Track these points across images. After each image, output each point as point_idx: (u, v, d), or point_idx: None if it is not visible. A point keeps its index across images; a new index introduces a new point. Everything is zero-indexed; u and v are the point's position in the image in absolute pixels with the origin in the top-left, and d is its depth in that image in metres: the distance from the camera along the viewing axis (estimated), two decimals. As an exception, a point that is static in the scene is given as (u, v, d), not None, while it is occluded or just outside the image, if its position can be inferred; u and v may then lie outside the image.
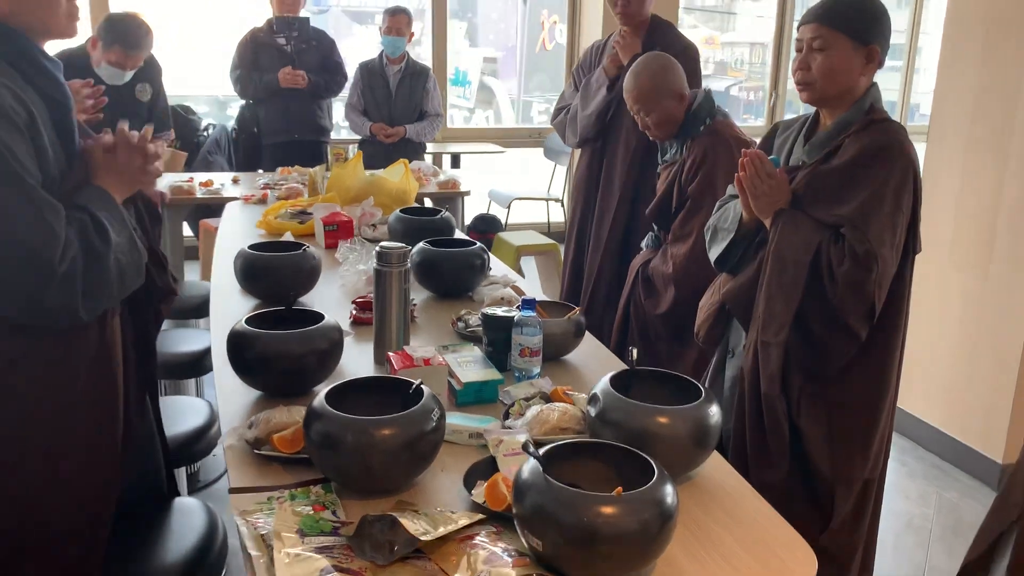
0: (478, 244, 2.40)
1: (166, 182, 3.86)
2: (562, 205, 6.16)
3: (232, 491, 1.35)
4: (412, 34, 4.71)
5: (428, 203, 4.08)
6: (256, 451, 1.45)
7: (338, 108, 4.95)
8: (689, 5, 8.04)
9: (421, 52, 6.04)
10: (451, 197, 4.26)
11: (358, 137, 4.80)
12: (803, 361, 1.85)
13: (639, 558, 1.12)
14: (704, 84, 2.91)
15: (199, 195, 3.87)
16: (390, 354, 1.69)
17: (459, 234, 2.89)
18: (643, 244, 2.84)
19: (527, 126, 7.95)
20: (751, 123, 7.51)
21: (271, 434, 1.46)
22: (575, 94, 3.25)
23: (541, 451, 1.20)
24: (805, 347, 1.84)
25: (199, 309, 3.11)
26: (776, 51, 6.70)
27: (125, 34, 3.46)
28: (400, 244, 1.88)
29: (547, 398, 1.65)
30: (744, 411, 1.94)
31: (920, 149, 1.96)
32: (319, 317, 1.75)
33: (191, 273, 4.63)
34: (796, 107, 6.97)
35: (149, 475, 1.77)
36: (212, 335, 2.07)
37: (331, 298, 2.30)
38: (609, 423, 1.40)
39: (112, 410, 1.49)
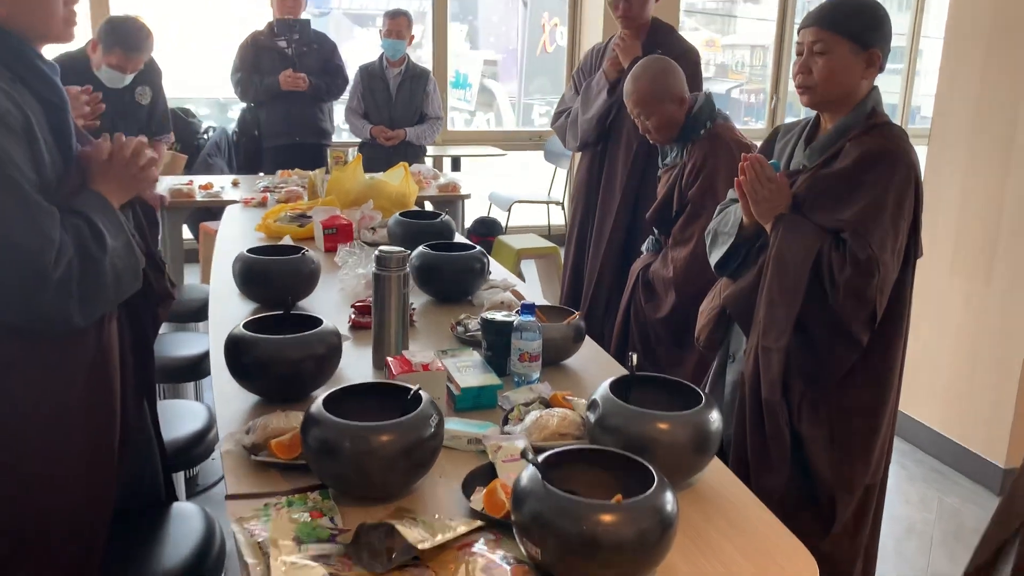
0: (477, 248, 2.39)
1: (166, 185, 3.87)
2: (563, 208, 6.15)
3: (228, 497, 1.35)
4: (412, 37, 4.71)
5: (428, 206, 4.06)
6: (253, 456, 1.44)
7: (339, 111, 4.95)
8: (690, 8, 8.04)
9: (422, 55, 6.04)
10: (451, 200, 4.25)
11: (358, 140, 4.80)
12: (804, 366, 1.84)
13: (639, 566, 1.11)
14: (705, 87, 2.90)
15: (199, 198, 3.87)
16: (389, 359, 1.68)
17: (459, 238, 2.88)
18: (643, 248, 2.83)
19: (528, 129, 7.94)
20: (752, 126, 7.51)
21: (269, 439, 1.45)
22: (575, 97, 3.25)
23: (540, 458, 1.19)
24: (806, 352, 1.83)
25: (199, 312, 3.11)
26: (777, 54, 6.70)
27: (125, 37, 3.46)
28: (399, 248, 1.87)
29: (546, 403, 1.64)
30: (745, 416, 1.93)
31: (921, 152, 1.96)
32: (318, 321, 1.74)
33: (191, 276, 4.63)
34: (797, 110, 6.97)
35: (147, 479, 1.77)
36: (211, 339, 2.06)
37: (330, 302, 2.29)
38: (609, 429, 1.39)
39: (109, 414, 1.49)
